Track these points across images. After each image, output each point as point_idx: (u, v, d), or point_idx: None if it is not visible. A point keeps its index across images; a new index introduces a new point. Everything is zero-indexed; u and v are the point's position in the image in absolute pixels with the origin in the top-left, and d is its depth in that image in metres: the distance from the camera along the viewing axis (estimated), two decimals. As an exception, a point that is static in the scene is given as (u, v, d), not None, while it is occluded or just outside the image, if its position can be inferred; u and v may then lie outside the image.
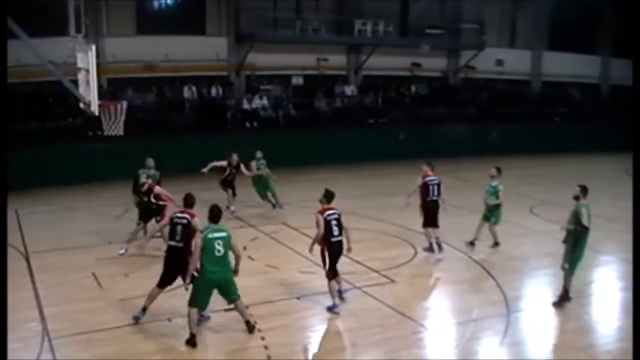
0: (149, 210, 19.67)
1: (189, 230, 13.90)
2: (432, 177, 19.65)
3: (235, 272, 13.60)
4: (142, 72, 34.17)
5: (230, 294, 13.63)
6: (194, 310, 13.42)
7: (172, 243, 14.07)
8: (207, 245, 13.12)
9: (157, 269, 17.97)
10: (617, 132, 39.34)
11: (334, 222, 15.01)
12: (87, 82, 17.75)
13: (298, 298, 15.34)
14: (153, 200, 19.44)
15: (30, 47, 18.59)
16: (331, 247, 14.87)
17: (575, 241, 15.52)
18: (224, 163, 24.22)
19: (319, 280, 16.30)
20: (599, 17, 47.74)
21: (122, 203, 23.30)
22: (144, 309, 14.26)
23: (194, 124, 34.46)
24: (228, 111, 35.88)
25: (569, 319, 15.17)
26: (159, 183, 20.34)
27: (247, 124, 35.85)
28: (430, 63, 43.52)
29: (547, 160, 36.69)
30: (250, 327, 13.84)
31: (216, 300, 14.18)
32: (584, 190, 15.67)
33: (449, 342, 13.78)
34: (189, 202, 14.35)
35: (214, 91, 36.15)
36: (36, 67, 21.57)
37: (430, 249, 19.69)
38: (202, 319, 14.12)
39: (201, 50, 35.81)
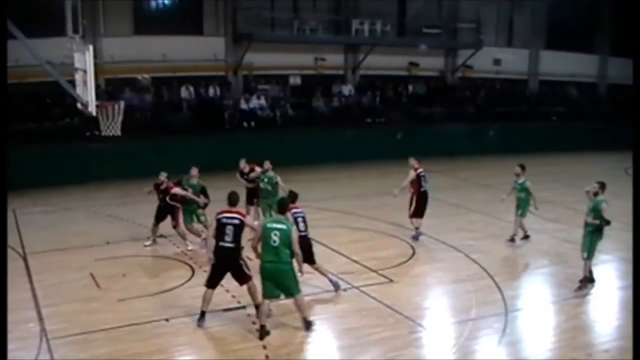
0: (161, 209, 19.69)
1: (241, 231, 13.98)
2: (421, 170, 21.09)
3: (300, 271, 14.13)
4: (139, 72, 34.10)
5: (283, 288, 13.78)
6: (265, 302, 13.72)
7: (223, 244, 13.90)
8: (265, 235, 13.52)
9: (155, 269, 18.13)
10: (614, 131, 39.44)
11: (300, 219, 15.68)
12: (85, 83, 17.74)
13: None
14: (168, 200, 19.41)
15: (28, 48, 18.58)
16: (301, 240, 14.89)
17: (595, 233, 16.50)
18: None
19: (317, 279, 16.35)
20: (596, 16, 47.68)
21: (120, 203, 23.30)
22: (203, 313, 14.21)
23: (192, 124, 34.39)
24: (226, 111, 35.83)
25: (567, 318, 15.17)
26: (200, 193, 20.09)
27: (245, 124, 35.79)
28: (427, 62, 43.48)
29: (544, 159, 36.70)
30: (307, 325, 14.04)
31: (214, 301, 14.20)
32: (603, 186, 16.56)
33: (447, 342, 13.78)
34: (233, 200, 14.37)
35: (211, 91, 36.08)
36: (34, 67, 21.57)
37: (416, 237, 21.07)
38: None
39: (199, 50, 35.76)
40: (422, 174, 21.13)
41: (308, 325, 14.03)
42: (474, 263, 18.83)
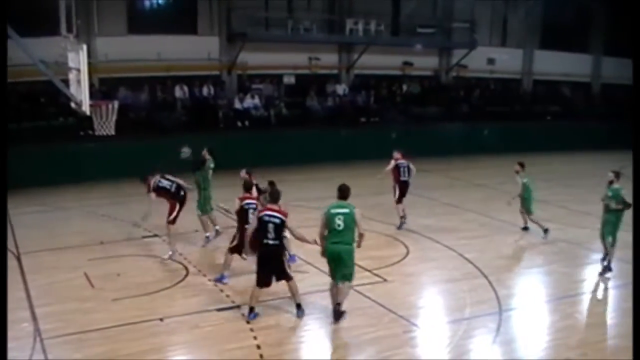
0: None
1: (282, 228, 14.24)
2: (402, 161, 22.67)
3: (358, 245, 14.33)
4: (133, 71, 34.08)
5: (341, 269, 14.20)
6: (332, 282, 14.43)
7: (267, 241, 14.10)
8: (329, 220, 14.02)
9: (148, 268, 18.08)
10: (608, 130, 39.56)
11: (250, 211, 15.99)
12: (79, 82, 17.74)
13: (290, 297, 15.29)
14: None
15: (22, 47, 18.55)
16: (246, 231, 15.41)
17: (617, 218, 17.49)
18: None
19: (311, 278, 16.41)
20: (590, 16, 47.85)
21: (114, 202, 23.23)
22: (252, 309, 14.43)
23: (186, 123, 34.33)
24: (220, 110, 35.84)
25: (561, 317, 15.16)
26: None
27: (239, 124, 35.80)
28: (421, 62, 43.57)
29: (538, 158, 36.73)
30: (338, 312, 14.34)
31: (208, 300, 14.19)
32: (617, 174, 17.66)
33: (442, 341, 13.77)
34: (275, 197, 14.60)
35: (205, 90, 36.06)
36: (28, 66, 21.46)
37: (400, 226, 22.52)
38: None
39: (193, 50, 35.75)
40: (403, 165, 22.60)
41: (337, 315, 14.39)
42: (468, 262, 18.82)
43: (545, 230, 21.43)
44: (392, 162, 22.71)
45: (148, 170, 19.18)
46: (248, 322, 14.13)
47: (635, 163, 17.15)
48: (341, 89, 40.38)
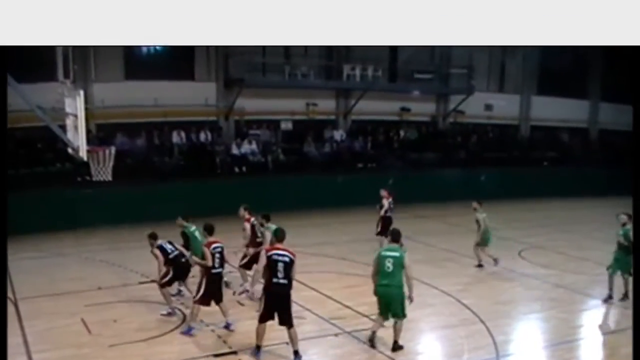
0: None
1: (291, 268, 14.28)
2: (389, 199, 25.56)
3: (410, 298, 15.03)
4: (131, 117, 34.14)
5: (392, 310, 15.10)
6: (379, 318, 15.45)
7: (277, 280, 14.19)
8: (380, 262, 14.86)
9: (146, 314, 17.97)
10: (606, 176, 39.57)
11: (217, 255, 16.01)
12: (76, 128, 17.81)
13: (287, 343, 15.21)
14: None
15: (19, 93, 18.64)
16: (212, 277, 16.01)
17: (628, 253, 17.93)
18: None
19: (308, 325, 16.31)
20: (587, 62, 48.07)
21: (112, 248, 23.17)
22: (258, 347, 14.55)
23: (183, 169, 34.36)
24: (217, 156, 35.89)
25: (558, 364, 15.14)
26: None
27: (236, 169, 35.84)
28: (419, 107, 43.79)
29: (536, 204, 36.79)
30: (396, 347, 15.20)
31: (205, 346, 14.11)
32: (630, 217, 18.14)
33: (439, 387, 13.73)
34: (281, 237, 14.71)
35: (202, 136, 36.21)
36: (25, 112, 21.58)
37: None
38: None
39: (190, 95, 35.85)
40: (390, 201, 25.56)
41: (396, 348, 15.24)
42: (466, 308, 18.75)
43: (495, 260, 22.86)
44: (385, 202, 25.42)
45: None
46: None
47: (636, 210, 17.18)
48: (338, 134, 40.51)
